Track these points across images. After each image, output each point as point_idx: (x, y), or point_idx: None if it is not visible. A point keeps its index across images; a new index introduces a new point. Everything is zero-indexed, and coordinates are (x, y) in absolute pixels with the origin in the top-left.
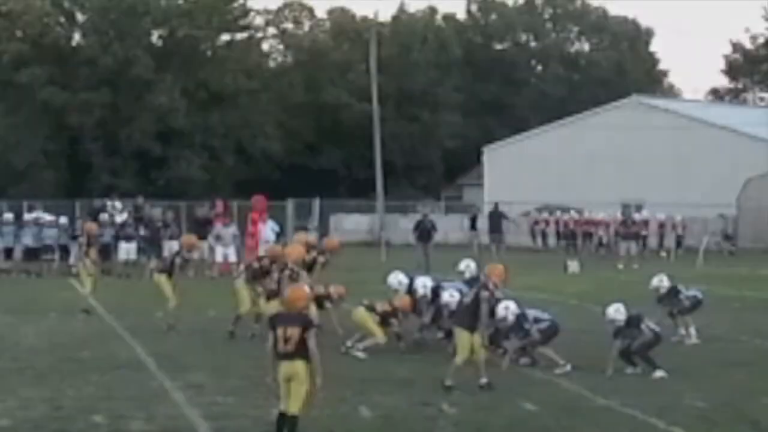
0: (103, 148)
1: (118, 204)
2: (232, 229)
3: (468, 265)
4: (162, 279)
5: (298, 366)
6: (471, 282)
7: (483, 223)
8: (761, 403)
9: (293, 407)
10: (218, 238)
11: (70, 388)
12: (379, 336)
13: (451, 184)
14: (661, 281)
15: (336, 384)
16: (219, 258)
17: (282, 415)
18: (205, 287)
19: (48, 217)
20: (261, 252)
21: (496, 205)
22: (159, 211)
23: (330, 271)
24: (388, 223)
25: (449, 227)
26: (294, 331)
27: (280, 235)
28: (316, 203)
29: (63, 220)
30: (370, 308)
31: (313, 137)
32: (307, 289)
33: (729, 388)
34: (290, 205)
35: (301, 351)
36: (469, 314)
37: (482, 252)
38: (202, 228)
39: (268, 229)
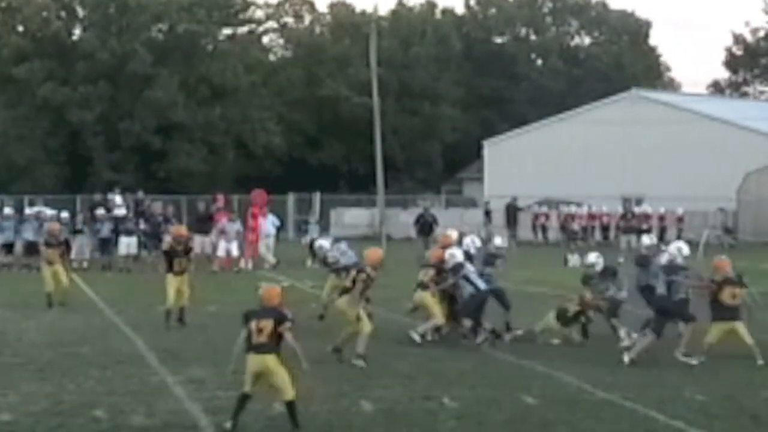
0: (103, 142)
1: (117, 198)
2: (237, 226)
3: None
4: (169, 278)
5: (268, 360)
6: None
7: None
8: (761, 396)
9: (288, 395)
10: (222, 233)
11: (71, 383)
12: (439, 317)
13: (451, 178)
14: (599, 257)
15: (337, 378)
16: (221, 252)
17: (245, 396)
18: (206, 282)
19: (49, 212)
20: (262, 247)
21: (513, 198)
22: (159, 205)
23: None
24: (389, 217)
25: (449, 221)
26: (266, 324)
27: (280, 229)
28: (317, 197)
29: (64, 214)
30: (425, 287)
31: (313, 131)
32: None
33: (729, 381)
34: (291, 199)
35: (272, 344)
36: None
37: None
38: (204, 223)
39: (268, 224)
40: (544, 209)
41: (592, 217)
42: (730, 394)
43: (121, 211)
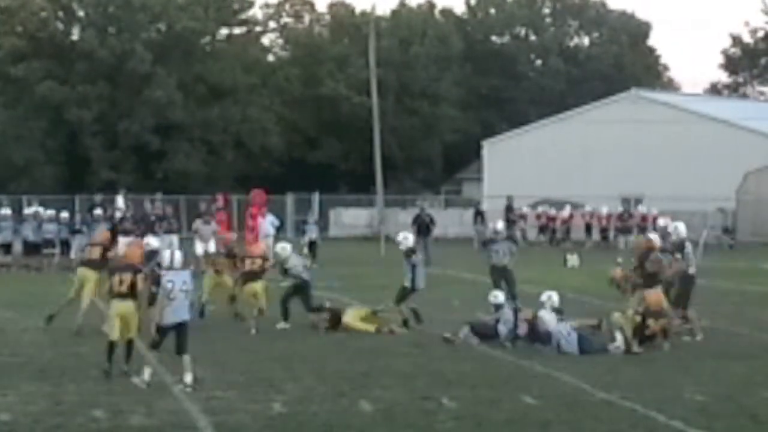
0: (101, 142)
1: (119, 199)
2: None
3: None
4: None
5: (130, 305)
6: None
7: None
8: (761, 396)
9: (132, 333)
10: (197, 233)
11: (70, 383)
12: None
13: (451, 178)
14: (406, 237)
15: (336, 378)
16: (199, 251)
17: (113, 343)
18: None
19: (49, 212)
20: (261, 246)
21: (509, 198)
22: (159, 206)
23: (331, 265)
24: (388, 217)
25: (449, 221)
26: (126, 277)
27: (279, 229)
28: (316, 197)
29: (64, 214)
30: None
31: (312, 131)
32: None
33: (729, 381)
34: (290, 199)
35: (131, 293)
36: None
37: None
38: None
39: (267, 224)
40: (552, 210)
41: (571, 217)
42: (730, 394)
43: (118, 213)
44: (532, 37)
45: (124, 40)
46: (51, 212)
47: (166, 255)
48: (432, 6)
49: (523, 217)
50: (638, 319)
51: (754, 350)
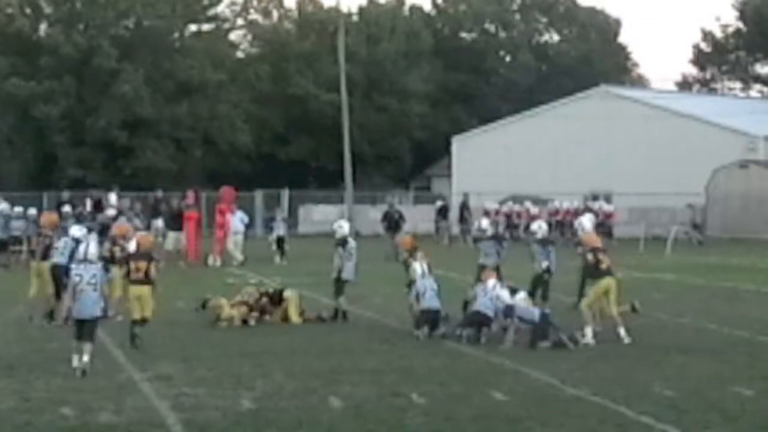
0: (68, 138)
1: (112, 197)
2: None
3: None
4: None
5: (145, 289)
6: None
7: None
8: (730, 391)
9: (147, 313)
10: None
11: (38, 380)
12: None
13: (420, 175)
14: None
15: (305, 375)
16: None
17: (135, 321)
18: (175, 278)
19: (17, 209)
20: (229, 244)
21: (466, 195)
22: (126, 202)
23: (301, 261)
24: (357, 213)
25: (418, 218)
26: (142, 265)
27: (249, 226)
28: (285, 194)
29: (32, 211)
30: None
31: (281, 128)
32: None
33: (698, 376)
34: (259, 196)
35: (147, 278)
36: None
37: (452, 242)
38: (176, 220)
39: (237, 221)
40: (516, 207)
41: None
42: (699, 389)
43: (111, 212)
44: (502, 33)
45: (91, 37)
46: (19, 209)
47: (81, 247)
48: (401, 2)
49: (487, 213)
50: (590, 258)
51: (723, 346)
